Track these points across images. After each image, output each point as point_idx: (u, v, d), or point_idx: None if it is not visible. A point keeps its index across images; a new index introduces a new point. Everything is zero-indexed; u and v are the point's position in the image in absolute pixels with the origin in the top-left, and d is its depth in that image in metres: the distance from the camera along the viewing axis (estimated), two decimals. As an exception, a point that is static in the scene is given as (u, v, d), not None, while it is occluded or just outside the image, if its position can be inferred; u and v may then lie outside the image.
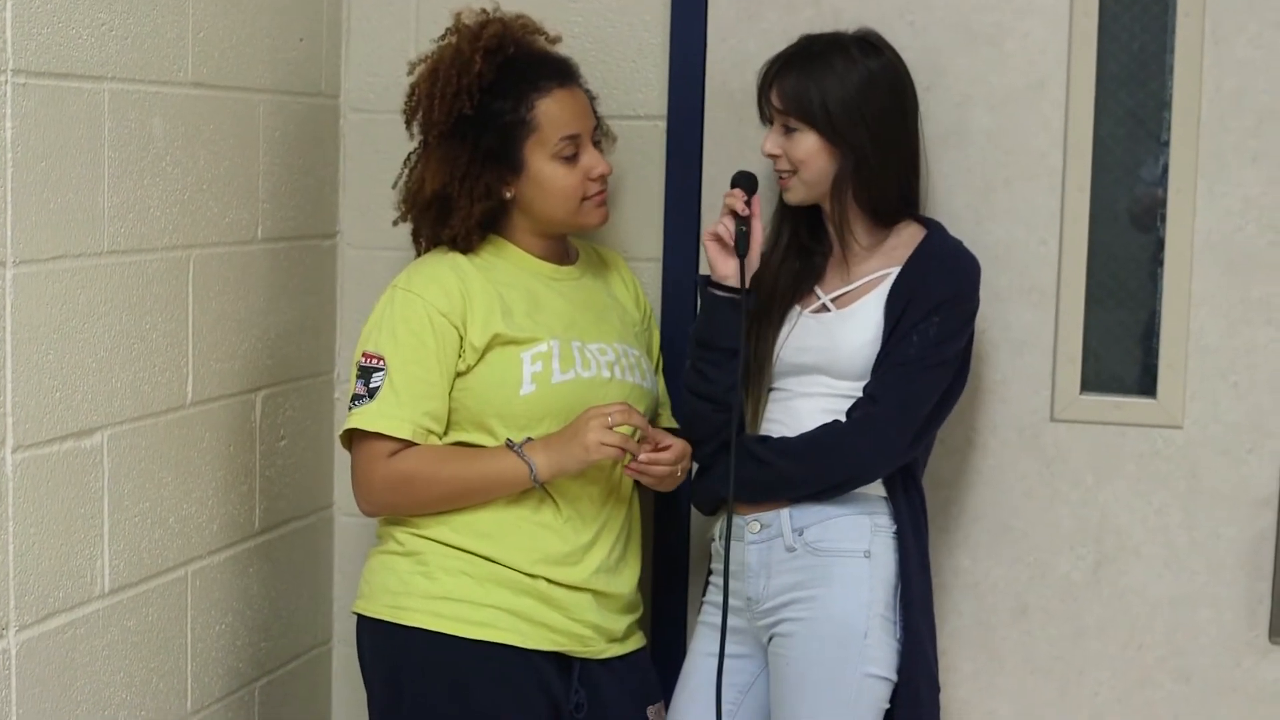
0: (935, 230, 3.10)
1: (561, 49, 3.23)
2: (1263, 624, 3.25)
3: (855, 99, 3.00)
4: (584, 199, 3.10)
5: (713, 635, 3.14)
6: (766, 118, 3.10)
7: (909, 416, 3.00)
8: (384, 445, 3.00)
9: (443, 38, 3.16)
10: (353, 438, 3.05)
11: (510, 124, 3.06)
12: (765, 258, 3.17)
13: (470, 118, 3.06)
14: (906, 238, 3.08)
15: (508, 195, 3.10)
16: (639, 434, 2.99)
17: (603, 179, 3.12)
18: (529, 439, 3.01)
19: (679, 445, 3.04)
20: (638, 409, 3.03)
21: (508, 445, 3.01)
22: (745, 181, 3.06)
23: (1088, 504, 3.32)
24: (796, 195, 3.09)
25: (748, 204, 3.03)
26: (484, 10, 3.18)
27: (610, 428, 2.95)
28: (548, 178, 3.08)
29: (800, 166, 3.04)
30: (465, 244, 3.10)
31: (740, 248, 3.00)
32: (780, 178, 3.09)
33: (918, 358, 2.97)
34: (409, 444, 3.01)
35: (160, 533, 3.02)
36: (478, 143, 3.06)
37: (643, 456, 2.99)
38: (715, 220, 3.06)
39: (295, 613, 3.55)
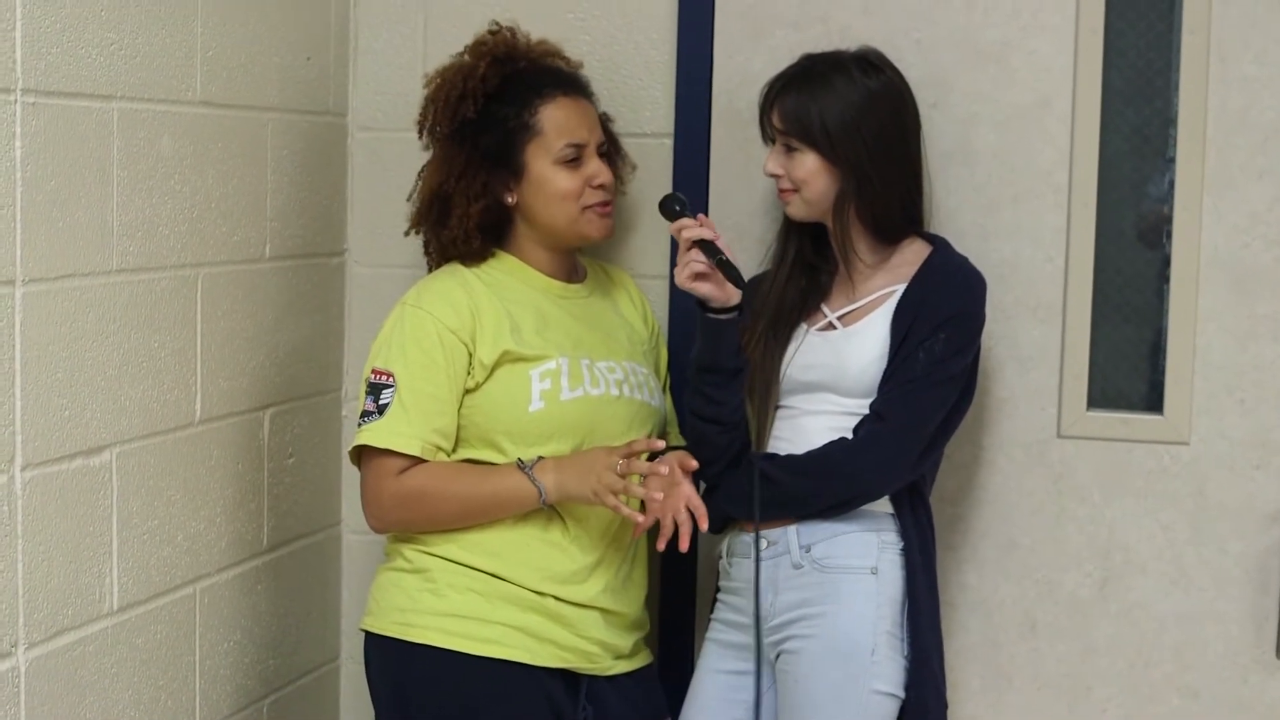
0: (941, 247, 3.10)
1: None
2: (1269, 640, 3.25)
3: (855, 118, 3.00)
4: (585, 208, 3.10)
5: (721, 652, 3.15)
6: (769, 137, 3.11)
7: (916, 433, 3.00)
8: (394, 462, 3.01)
9: (460, 55, 3.18)
10: (362, 454, 3.05)
11: (513, 128, 3.08)
12: (771, 275, 3.18)
13: (472, 121, 3.09)
14: (911, 255, 3.08)
15: (510, 201, 3.11)
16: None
17: (604, 189, 3.12)
18: (540, 459, 3.02)
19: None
20: (640, 452, 2.98)
21: (518, 466, 3.01)
22: (683, 206, 3.05)
23: (1095, 521, 3.32)
24: (798, 211, 3.09)
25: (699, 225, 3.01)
26: (495, 22, 3.20)
27: (622, 475, 2.93)
28: (548, 181, 3.08)
29: (802, 186, 3.05)
30: (465, 248, 3.11)
31: (730, 273, 2.97)
32: (781, 192, 3.09)
33: (924, 374, 2.98)
34: (418, 461, 3.01)
35: (169, 550, 3.03)
36: (477, 143, 3.08)
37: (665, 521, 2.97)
38: (681, 264, 2.99)
39: (303, 630, 3.55)
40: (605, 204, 3.13)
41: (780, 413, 3.13)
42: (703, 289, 2.99)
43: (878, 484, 3.02)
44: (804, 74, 3.05)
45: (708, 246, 2.97)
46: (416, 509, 3.02)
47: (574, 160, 3.10)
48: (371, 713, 3.16)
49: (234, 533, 3.25)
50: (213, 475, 3.16)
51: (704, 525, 2.95)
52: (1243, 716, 3.27)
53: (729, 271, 2.96)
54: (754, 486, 3.00)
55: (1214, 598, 3.27)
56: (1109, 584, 3.32)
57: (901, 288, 3.04)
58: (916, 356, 2.98)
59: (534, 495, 2.98)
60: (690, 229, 2.99)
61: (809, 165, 3.03)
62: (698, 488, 3.23)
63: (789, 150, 3.05)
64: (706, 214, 3.38)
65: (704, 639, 3.22)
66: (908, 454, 3.00)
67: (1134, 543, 3.30)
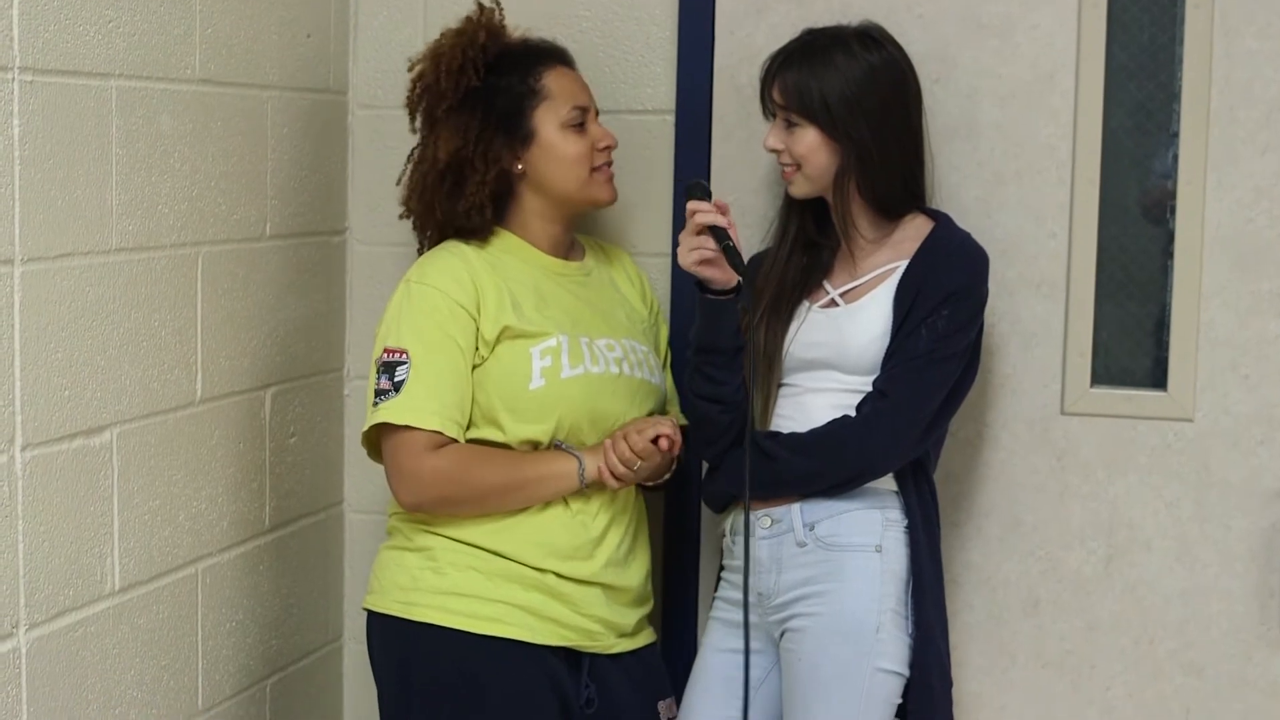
0: (943, 222, 3.09)
1: (569, 43, 3.25)
2: (1274, 617, 3.24)
3: (855, 94, 2.99)
4: (593, 170, 3.10)
5: (725, 630, 3.14)
6: (769, 112, 3.10)
7: (919, 410, 2.99)
8: (423, 437, 2.99)
9: (440, 38, 3.17)
10: (383, 434, 3.04)
11: (520, 93, 3.10)
12: (773, 252, 3.17)
13: (478, 89, 3.09)
14: (913, 230, 3.07)
15: (517, 168, 3.11)
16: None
17: (609, 151, 3.13)
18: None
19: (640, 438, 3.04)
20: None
21: (557, 446, 3.03)
22: (704, 193, 3.02)
23: (1099, 498, 3.31)
24: (801, 189, 3.08)
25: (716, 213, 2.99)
26: (480, 4, 3.20)
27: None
28: (557, 145, 3.09)
29: (802, 161, 3.04)
30: (479, 219, 3.10)
31: (734, 259, 2.95)
32: (784, 171, 3.08)
33: (927, 351, 2.97)
34: (443, 437, 3.00)
35: (170, 530, 3.02)
36: (490, 107, 3.09)
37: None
38: (687, 244, 2.97)
39: (306, 610, 3.55)
40: (609, 167, 3.14)
41: (783, 390, 3.12)
42: (706, 273, 2.98)
43: (881, 461, 3.01)
44: (805, 49, 3.04)
45: (718, 232, 2.96)
46: (460, 484, 3.01)
47: (579, 125, 3.10)
48: (374, 692, 3.16)
49: (236, 512, 3.24)
50: (214, 455, 3.16)
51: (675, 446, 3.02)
52: (1247, 693, 3.27)
53: (733, 258, 2.95)
54: (747, 462, 2.98)
55: (1218, 574, 3.27)
56: (1113, 561, 3.31)
57: (904, 264, 3.03)
58: (919, 333, 2.97)
59: (574, 468, 3.01)
60: (704, 214, 2.97)
61: (809, 140, 3.02)
62: (700, 468, 3.24)
63: (789, 125, 3.04)
64: (709, 189, 3.38)
65: (708, 618, 3.22)
66: (911, 431, 3.00)
67: (1138, 520, 3.30)
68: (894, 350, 3.00)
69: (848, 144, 3.00)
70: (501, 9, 3.19)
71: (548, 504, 3.05)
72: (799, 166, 3.05)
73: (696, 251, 2.97)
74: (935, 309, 2.97)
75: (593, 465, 3.01)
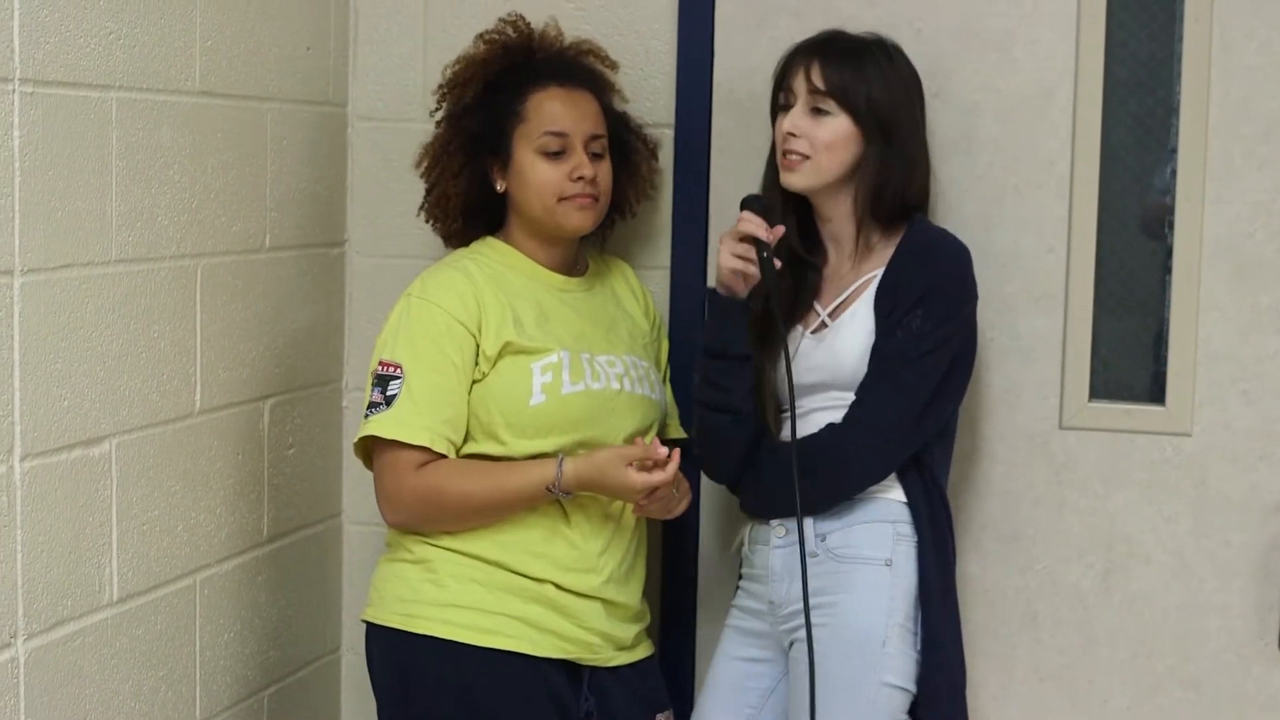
0: (915, 222, 3.06)
1: (568, 56, 3.25)
2: (1273, 632, 3.24)
3: (891, 98, 3.00)
4: (561, 199, 3.09)
5: (739, 639, 3.14)
6: (782, 104, 3.06)
7: (899, 410, 2.96)
8: (410, 455, 2.99)
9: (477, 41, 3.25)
10: (372, 448, 3.04)
11: (504, 115, 3.11)
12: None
13: (470, 105, 3.14)
14: (895, 237, 3.06)
15: (500, 187, 3.13)
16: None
17: (584, 181, 3.09)
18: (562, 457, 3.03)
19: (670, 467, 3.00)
20: (647, 445, 3.00)
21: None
22: (758, 207, 3.01)
23: (1097, 512, 3.31)
24: (803, 181, 3.03)
25: (771, 244, 2.97)
26: (515, 13, 3.23)
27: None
28: (526, 169, 3.10)
29: (822, 150, 3.00)
30: (446, 227, 3.20)
31: (768, 274, 2.94)
32: (786, 158, 3.04)
33: (901, 352, 2.95)
34: (433, 454, 3.00)
35: (169, 541, 3.02)
36: (467, 126, 3.14)
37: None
38: (729, 249, 2.97)
39: (304, 621, 3.55)
40: (585, 196, 3.10)
41: (787, 416, 3.10)
42: (736, 285, 2.96)
43: (869, 466, 2.99)
44: (845, 45, 3.04)
45: (760, 244, 2.95)
46: (437, 503, 3.00)
47: (557, 153, 3.09)
48: (372, 703, 3.16)
49: (234, 523, 3.24)
50: (213, 466, 3.16)
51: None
52: (1245, 708, 3.27)
53: (768, 270, 2.94)
54: (795, 472, 2.94)
55: (1216, 589, 3.27)
56: (1111, 575, 3.31)
57: (881, 271, 3.03)
58: (894, 335, 2.96)
59: (551, 471, 2.98)
60: (747, 223, 2.96)
61: (839, 129, 2.99)
62: (701, 480, 3.23)
63: (817, 112, 3.02)
64: (708, 205, 3.40)
65: (724, 625, 3.21)
66: (893, 432, 2.97)
67: (1136, 534, 3.30)
68: (872, 354, 2.99)
69: (879, 141, 2.99)
70: (527, 22, 3.23)
71: (548, 517, 3.04)
72: (808, 157, 3.02)
73: (739, 261, 2.95)
74: (910, 310, 2.95)
75: (571, 476, 2.98)
